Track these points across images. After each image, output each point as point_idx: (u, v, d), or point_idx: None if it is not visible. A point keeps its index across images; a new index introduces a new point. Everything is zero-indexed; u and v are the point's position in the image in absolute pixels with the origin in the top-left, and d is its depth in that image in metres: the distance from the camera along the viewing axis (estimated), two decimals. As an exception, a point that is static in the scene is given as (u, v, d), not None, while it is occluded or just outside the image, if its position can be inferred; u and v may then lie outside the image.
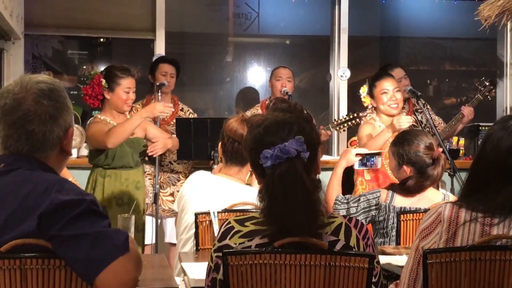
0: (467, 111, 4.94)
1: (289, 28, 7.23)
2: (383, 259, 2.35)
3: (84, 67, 6.96)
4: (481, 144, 2.07)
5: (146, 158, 4.52)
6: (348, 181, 3.85)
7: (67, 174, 3.54)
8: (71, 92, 6.83)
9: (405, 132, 3.35)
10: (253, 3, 6.90)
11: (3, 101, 1.79)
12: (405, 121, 4.03)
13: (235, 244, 1.82)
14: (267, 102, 5.21)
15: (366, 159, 3.57)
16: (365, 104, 4.42)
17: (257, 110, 5.17)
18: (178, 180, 4.90)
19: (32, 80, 1.82)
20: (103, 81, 4.12)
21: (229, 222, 1.87)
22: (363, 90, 4.36)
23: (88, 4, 5.87)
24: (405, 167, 3.13)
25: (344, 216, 1.90)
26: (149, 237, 4.55)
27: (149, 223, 4.60)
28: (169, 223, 4.86)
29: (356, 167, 3.54)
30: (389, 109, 4.22)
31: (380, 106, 4.25)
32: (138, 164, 4.26)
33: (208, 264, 1.88)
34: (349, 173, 3.92)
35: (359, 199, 3.17)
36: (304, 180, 1.77)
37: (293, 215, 1.74)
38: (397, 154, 3.17)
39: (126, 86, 4.13)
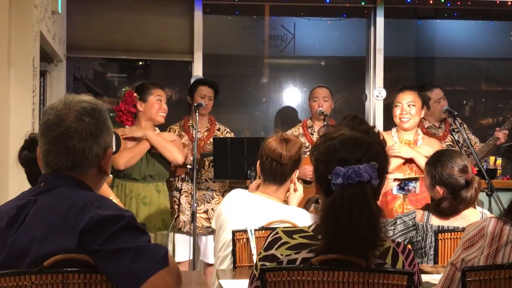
0: (502, 135, 4.91)
1: (324, 49, 7.26)
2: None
3: (124, 89, 7.07)
4: None
5: (183, 176, 4.73)
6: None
7: (109, 192, 3.60)
8: (111, 114, 6.94)
9: (439, 153, 3.29)
10: (289, 25, 6.96)
11: (46, 117, 1.83)
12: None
13: (282, 255, 1.81)
14: (307, 121, 5.23)
15: (404, 183, 3.53)
16: None
17: (298, 129, 5.20)
18: (212, 198, 4.93)
19: (76, 98, 1.86)
20: (135, 94, 4.28)
21: (277, 233, 1.86)
22: None
23: (128, 28, 5.99)
24: (438, 187, 3.12)
25: (393, 241, 1.87)
26: (186, 254, 4.62)
27: (186, 240, 4.70)
28: (203, 240, 4.91)
29: (394, 192, 3.52)
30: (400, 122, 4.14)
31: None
32: (147, 178, 4.29)
33: (252, 272, 1.88)
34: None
35: (395, 222, 3.17)
36: (371, 206, 1.76)
37: (354, 239, 1.72)
38: (430, 175, 3.16)
39: (157, 94, 4.29)
